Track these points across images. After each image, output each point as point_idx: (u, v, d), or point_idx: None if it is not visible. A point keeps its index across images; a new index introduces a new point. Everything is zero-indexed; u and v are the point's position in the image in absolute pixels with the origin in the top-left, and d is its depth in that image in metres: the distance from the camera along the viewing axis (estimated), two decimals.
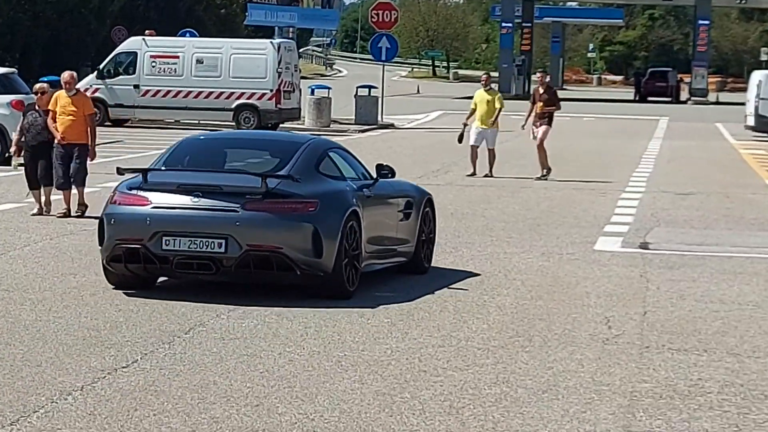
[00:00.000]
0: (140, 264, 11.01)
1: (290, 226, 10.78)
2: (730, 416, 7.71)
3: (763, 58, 73.85)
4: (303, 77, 43.57)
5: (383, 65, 43.16)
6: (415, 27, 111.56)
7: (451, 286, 12.03)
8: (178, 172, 11.25)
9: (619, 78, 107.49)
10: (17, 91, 24.56)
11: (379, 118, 41.05)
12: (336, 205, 11.10)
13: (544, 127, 23.85)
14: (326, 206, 10.97)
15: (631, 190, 22.19)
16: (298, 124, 38.03)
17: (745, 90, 44.16)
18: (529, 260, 13.86)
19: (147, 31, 41.28)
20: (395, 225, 12.36)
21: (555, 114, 24.44)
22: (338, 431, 7.23)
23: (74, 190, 16.64)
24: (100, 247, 11.32)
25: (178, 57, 36.81)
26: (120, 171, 11.59)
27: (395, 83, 76.62)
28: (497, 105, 23.79)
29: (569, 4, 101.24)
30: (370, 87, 41.06)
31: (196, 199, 10.86)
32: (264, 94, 36.24)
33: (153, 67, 36.88)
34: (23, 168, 16.99)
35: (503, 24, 72.90)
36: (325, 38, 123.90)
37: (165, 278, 11.68)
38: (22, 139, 16.80)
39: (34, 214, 16.50)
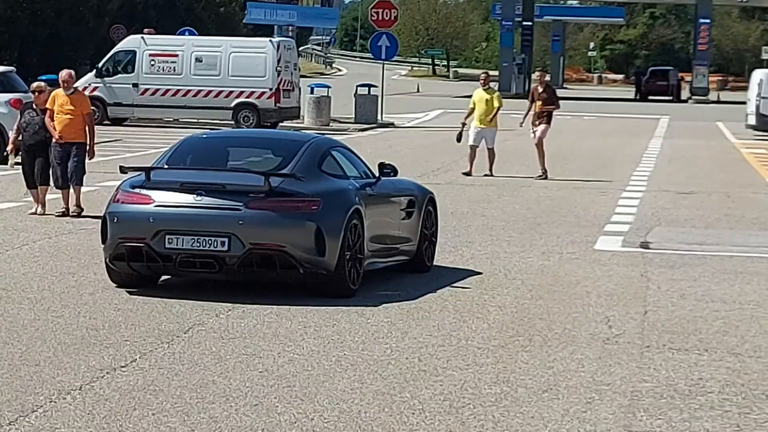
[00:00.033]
0: (143, 262, 11.02)
1: (293, 224, 10.81)
2: (731, 416, 7.70)
3: (764, 56, 73.76)
4: (302, 76, 43.52)
5: (383, 64, 43.13)
6: (415, 25, 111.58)
7: (453, 285, 12.03)
8: (181, 171, 11.27)
9: (620, 77, 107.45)
10: (15, 89, 24.54)
11: (379, 117, 41.03)
12: (339, 204, 11.12)
13: (542, 126, 23.82)
14: (329, 205, 10.99)
15: (632, 190, 22.18)
16: (298, 123, 37.99)
17: (746, 89, 44.12)
18: (529, 259, 13.84)
19: (146, 30, 41.26)
20: (397, 223, 12.38)
21: (554, 113, 24.40)
22: (338, 431, 7.21)
23: (72, 189, 16.58)
24: (102, 246, 11.33)
25: (177, 55, 36.75)
26: (123, 169, 11.60)
27: (395, 82, 76.60)
28: (496, 104, 23.77)
29: (570, 2, 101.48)
30: (369, 86, 41.03)
31: (199, 198, 10.88)
32: (263, 93, 36.20)
33: (152, 65, 36.83)
34: (21, 167, 16.96)
35: (503, 22, 72.93)
36: (324, 37, 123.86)
37: (165, 277, 11.66)
38: (19, 138, 16.77)
39: (32, 213, 16.48)
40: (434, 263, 13.12)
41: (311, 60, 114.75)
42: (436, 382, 8.29)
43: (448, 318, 10.48)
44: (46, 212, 16.46)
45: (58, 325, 9.78)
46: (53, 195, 16.86)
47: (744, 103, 41.14)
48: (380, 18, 42.45)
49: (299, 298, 10.99)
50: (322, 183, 11.26)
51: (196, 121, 37.14)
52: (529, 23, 76.82)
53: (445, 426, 7.33)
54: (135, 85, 36.86)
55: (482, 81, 24.22)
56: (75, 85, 16.92)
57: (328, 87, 40.70)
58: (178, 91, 36.58)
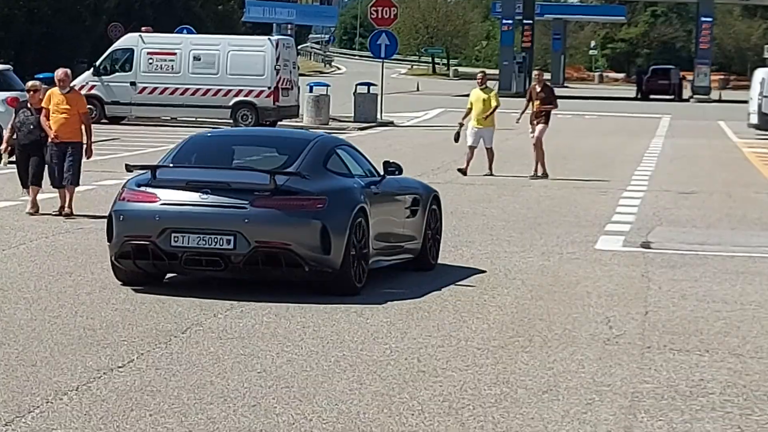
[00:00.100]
0: (149, 260, 11.06)
1: (299, 222, 10.86)
2: (733, 417, 7.67)
3: (767, 55, 73.75)
4: (301, 74, 43.49)
5: (382, 62, 43.10)
6: (414, 24, 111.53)
7: (457, 283, 12.04)
8: (186, 169, 11.33)
9: (621, 75, 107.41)
10: (12, 88, 24.50)
11: (379, 116, 41.00)
12: (344, 202, 11.18)
13: (540, 126, 23.78)
14: (334, 203, 11.04)
15: (633, 189, 22.16)
16: (297, 121, 37.95)
17: (748, 88, 44.06)
18: (529, 259, 13.81)
19: (143, 28, 41.17)
20: (402, 222, 12.44)
21: (552, 112, 24.37)
22: None
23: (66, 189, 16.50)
24: (108, 244, 11.36)
25: (175, 54, 36.69)
26: (129, 168, 11.66)
27: (395, 81, 76.59)
28: (493, 103, 23.74)
29: (570, 0, 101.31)
30: (369, 84, 41.01)
31: (204, 196, 10.94)
32: (262, 92, 36.15)
33: (150, 64, 36.76)
34: (15, 166, 16.89)
35: (504, 21, 72.92)
36: (323, 35, 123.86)
37: (167, 275, 11.64)
38: (14, 137, 16.70)
39: (29, 213, 16.40)
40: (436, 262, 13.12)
41: (310, 58, 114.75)
42: (436, 382, 8.27)
43: (447, 318, 10.45)
44: (40, 212, 16.37)
45: (55, 325, 9.75)
46: (51, 194, 16.80)
47: (746, 102, 41.08)
48: (380, 16, 42.40)
49: (298, 298, 10.97)
50: (327, 181, 11.31)
51: (194, 119, 37.10)
52: (530, 21, 76.84)
53: (444, 427, 7.31)
54: (133, 84, 36.81)
55: (479, 81, 24.20)
56: (71, 84, 16.84)
57: (328, 86, 40.66)
58: (176, 89, 36.51)
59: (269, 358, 8.79)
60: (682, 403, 7.92)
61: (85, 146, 16.46)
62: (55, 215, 16.31)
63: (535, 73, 25.49)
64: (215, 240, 10.82)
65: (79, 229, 15.27)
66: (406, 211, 12.51)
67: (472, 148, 23.81)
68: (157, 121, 37.30)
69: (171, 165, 11.45)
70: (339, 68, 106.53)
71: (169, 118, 37.74)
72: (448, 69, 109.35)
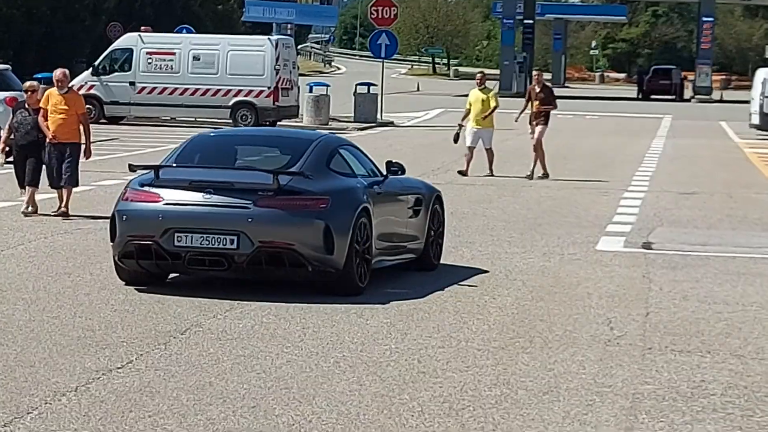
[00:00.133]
0: (152, 260, 11.08)
1: (302, 222, 10.88)
2: (734, 419, 7.66)
3: None
4: (301, 74, 43.44)
5: (383, 62, 43.07)
6: (415, 24, 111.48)
7: (460, 283, 12.04)
8: (189, 169, 11.35)
9: (622, 76, 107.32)
10: (11, 87, 24.46)
11: (379, 116, 40.97)
12: (347, 202, 11.20)
13: (540, 128, 23.72)
14: (337, 203, 11.07)
15: (634, 190, 22.12)
16: (297, 121, 37.91)
17: (749, 88, 44.01)
18: (530, 260, 13.79)
19: (143, 28, 41.13)
20: (405, 222, 12.48)
21: (552, 113, 24.33)
22: None
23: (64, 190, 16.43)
24: (111, 243, 11.37)
25: (174, 54, 36.64)
26: (132, 167, 11.69)
27: (395, 81, 76.57)
28: (492, 104, 23.70)
29: (571, 0, 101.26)
30: (369, 84, 40.97)
31: (208, 196, 10.97)
32: (261, 92, 36.11)
33: (149, 63, 36.71)
34: (13, 167, 16.85)
35: (504, 21, 72.89)
36: (323, 35, 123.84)
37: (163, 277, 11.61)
38: (11, 137, 16.66)
39: (23, 212, 16.34)
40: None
41: (310, 58, 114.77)
42: (436, 383, 8.25)
43: (447, 319, 10.43)
44: (39, 212, 16.33)
45: (54, 326, 9.73)
46: (50, 195, 16.76)
47: (747, 102, 41.04)
48: (380, 16, 42.36)
49: (298, 299, 10.95)
50: (330, 181, 11.34)
51: (193, 120, 37.06)
52: (531, 21, 76.83)
53: (444, 428, 7.29)
54: (132, 84, 36.75)
55: (478, 81, 24.16)
56: (69, 84, 16.79)
57: (327, 86, 40.61)
58: (176, 89, 36.46)
59: (269, 359, 8.77)
60: (683, 405, 7.90)
61: (83, 147, 16.41)
62: (54, 215, 16.28)
63: (534, 73, 25.44)
64: (218, 240, 10.84)
65: (77, 230, 15.24)
66: (408, 211, 12.54)
67: (471, 149, 23.77)
68: (156, 121, 37.26)
69: (174, 165, 11.47)
70: (339, 68, 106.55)
71: (168, 118, 37.70)
72: (449, 69, 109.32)
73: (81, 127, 16.33)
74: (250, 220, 10.82)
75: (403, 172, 12.53)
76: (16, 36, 57.85)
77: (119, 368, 8.41)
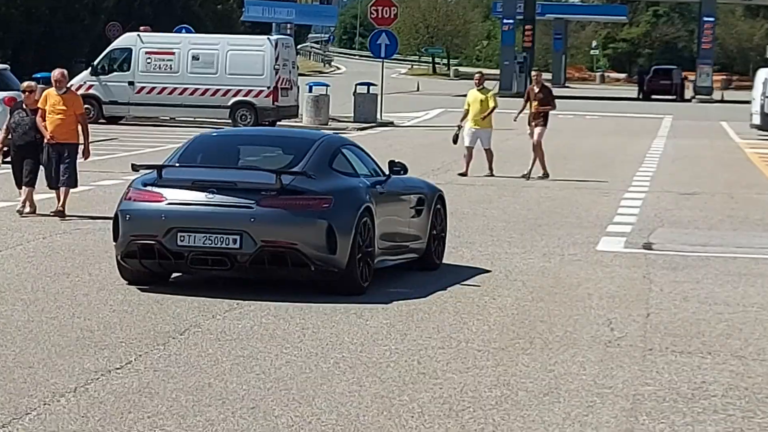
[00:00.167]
0: (155, 260, 11.10)
1: (305, 222, 10.91)
2: (735, 420, 7.64)
3: None
4: (301, 74, 43.43)
5: (382, 62, 43.03)
6: (415, 23, 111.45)
7: (459, 284, 12.02)
8: (192, 169, 11.38)
9: (623, 76, 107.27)
10: (10, 87, 24.43)
11: (378, 116, 40.93)
12: (350, 202, 11.23)
13: (539, 129, 23.65)
14: (340, 203, 11.09)
15: (635, 190, 22.09)
16: (296, 121, 37.87)
17: (750, 88, 43.95)
18: (530, 261, 13.76)
19: (142, 27, 41.07)
20: (407, 221, 12.50)
21: (551, 113, 24.28)
22: None
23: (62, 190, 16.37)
24: (114, 243, 11.39)
25: (173, 53, 36.58)
26: (135, 167, 11.73)
27: (395, 80, 76.56)
28: (491, 104, 23.66)
29: (572, 0, 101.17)
30: (369, 84, 40.92)
31: (210, 196, 10.99)
32: (261, 92, 36.06)
33: (148, 63, 36.65)
34: (11, 167, 16.82)
35: (505, 21, 72.82)
36: (323, 34, 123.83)
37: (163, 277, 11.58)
38: (9, 137, 16.61)
39: (27, 213, 16.32)
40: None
41: (310, 58, 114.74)
42: (436, 384, 8.23)
43: (447, 320, 10.41)
44: (37, 212, 16.29)
45: (52, 327, 9.71)
46: (49, 195, 16.73)
47: (748, 102, 40.98)
48: (380, 16, 42.32)
49: (297, 299, 10.93)
50: (333, 181, 11.36)
51: (192, 120, 37.02)
52: (531, 21, 76.75)
53: (444, 429, 7.27)
54: (131, 84, 36.69)
55: (477, 81, 24.12)
56: (68, 85, 16.75)
57: (327, 85, 40.56)
58: (175, 89, 36.39)
59: (268, 360, 8.75)
60: (683, 406, 7.88)
61: (82, 147, 16.37)
62: (51, 215, 16.23)
63: (533, 73, 25.36)
64: (221, 239, 10.86)
65: (76, 230, 15.20)
66: (411, 211, 12.57)
67: (469, 149, 23.72)
68: (155, 121, 37.22)
69: (177, 164, 11.50)
70: (339, 68, 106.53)
71: (167, 118, 37.65)
72: (449, 69, 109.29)
73: (79, 128, 16.29)
74: (252, 219, 10.85)
75: (406, 171, 12.57)
76: (14, 35, 57.83)
77: (118, 369, 8.40)
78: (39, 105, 16.25)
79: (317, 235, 10.90)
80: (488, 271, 12.91)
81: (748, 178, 25.57)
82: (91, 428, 7.08)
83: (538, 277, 12.74)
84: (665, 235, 16.23)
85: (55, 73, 16.37)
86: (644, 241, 15.63)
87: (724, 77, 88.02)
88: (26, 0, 58.18)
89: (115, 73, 36.88)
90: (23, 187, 16.40)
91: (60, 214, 16.00)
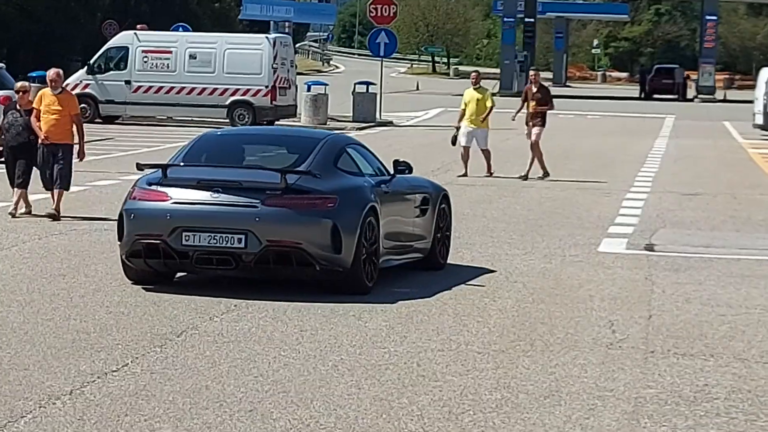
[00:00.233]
0: (160, 259, 11.13)
1: (310, 221, 10.94)
2: (738, 423, 7.61)
3: None
4: (299, 73, 43.42)
5: (382, 61, 43.00)
6: (414, 22, 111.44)
7: (461, 285, 12.00)
8: (197, 168, 11.42)
9: (624, 75, 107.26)
10: (5, 86, 24.35)
11: (378, 116, 40.90)
12: (355, 201, 11.26)
13: (537, 129, 23.57)
14: (345, 202, 11.13)
15: (636, 190, 22.04)
16: (294, 121, 37.81)
17: (753, 87, 43.86)
18: (531, 262, 13.72)
19: (139, 26, 41.04)
20: (412, 221, 12.53)
21: (551, 113, 24.22)
22: None
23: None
24: (119, 243, 11.41)
25: (170, 52, 36.53)
26: (139, 166, 11.76)
27: (394, 80, 76.67)
28: (488, 104, 23.59)
29: None
30: (368, 83, 40.90)
31: (215, 195, 11.04)
32: (259, 91, 36.02)
33: (145, 62, 36.59)
34: (5, 167, 16.75)
35: (505, 19, 72.84)
36: (322, 33, 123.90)
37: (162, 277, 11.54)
38: (2, 137, 16.54)
39: (22, 214, 16.26)
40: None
41: (308, 57, 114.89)
42: (435, 387, 8.19)
43: (447, 322, 10.36)
44: (32, 212, 16.21)
45: (48, 328, 9.67)
46: (44, 195, 16.65)
47: (751, 102, 40.91)
48: (379, 14, 42.27)
49: (295, 300, 10.89)
50: (338, 180, 11.39)
51: (190, 119, 36.97)
52: (532, 20, 76.77)
53: None
54: (127, 83, 36.62)
55: (473, 80, 24.05)
56: (64, 84, 16.67)
57: (326, 85, 40.53)
58: (172, 88, 36.32)
59: (266, 362, 8.72)
60: (686, 409, 7.85)
61: (76, 148, 16.29)
62: (46, 217, 16.13)
63: (531, 73, 25.26)
64: (226, 239, 10.89)
65: (72, 231, 15.15)
66: (415, 210, 12.60)
67: (466, 149, 23.65)
68: (152, 121, 37.19)
69: (182, 164, 11.53)
70: (337, 67, 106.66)
71: (164, 117, 37.62)
72: (449, 68, 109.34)
73: (74, 128, 16.21)
74: (257, 219, 10.88)
75: (411, 171, 12.62)
76: (10, 34, 57.80)
77: (114, 371, 8.36)
78: (34, 105, 16.18)
79: (322, 235, 10.93)
80: (493, 271, 12.89)
81: (751, 178, 25.52)
82: (87, 431, 7.04)
83: (539, 278, 12.70)
84: (667, 236, 16.18)
85: (51, 72, 16.29)
86: (646, 242, 15.57)
87: (727, 76, 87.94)
88: None
89: (112, 72, 36.83)
90: (15, 189, 16.31)
91: (54, 216, 15.89)
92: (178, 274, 11.68)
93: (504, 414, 7.61)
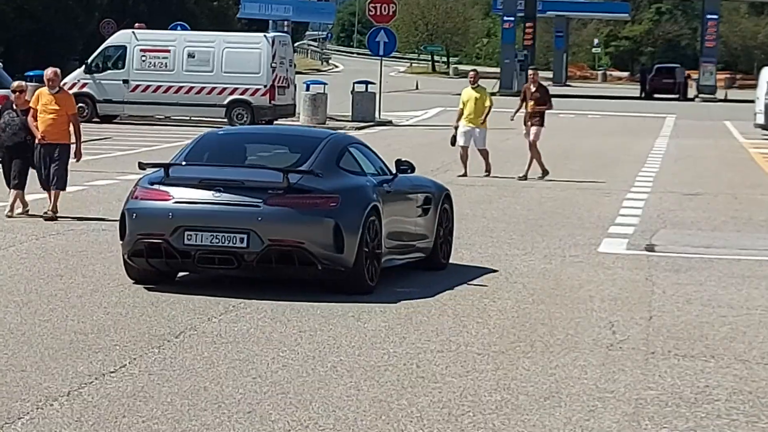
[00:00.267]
0: (162, 259, 11.15)
1: (312, 221, 10.96)
2: (738, 424, 7.59)
3: None
4: (298, 72, 43.39)
5: (381, 60, 42.98)
6: (414, 21, 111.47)
7: (460, 285, 11.99)
8: (199, 167, 11.44)
9: (625, 74, 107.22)
10: (2, 85, 24.31)
11: (377, 115, 40.88)
12: (357, 201, 11.28)
13: (535, 128, 23.52)
14: (347, 201, 11.15)
15: (637, 190, 22.02)
16: (293, 120, 37.78)
17: (754, 87, 43.83)
18: (531, 262, 13.70)
19: (137, 24, 40.98)
20: (414, 220, 12.55)
21: (550, 112, 24.18)
22: None
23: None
24: (121, 242, 11.43)
25: (168, 51, 36.48)
26: (141, 166, 11.79)
27: (393, 79, 76.69)
28: (487, 103, 23.54)
29: None
30: (367, 83, 40.87)
31: (218, 194, 11.06)
32: (257, 90, 35.98)
33: (143, 61, 36.54)
34: (1, 167, 16.71)
35: (505, 18, 72.82)
36: (321, 32, 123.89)
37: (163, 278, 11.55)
38: None
39: (19, 214, 16.22)
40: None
41: (307, 56, 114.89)
42: (435, 388, 8.18)
43: (447, 323, 10.34)
44: (30, 212, 16.17)
45: (46, 329, 9.65)
46: (41, 195, 16.62)
47: (752, 101, 40.87)
48: (378, 13, 42.24)
49: (294, 301, 10.87)
50: (340, 180, 11.40)
51: (188, 118, 36.92)
52: (532, 19, 76.71)
53: None
54: (125, 82, 36.57)
55: (471, 79, 24.01)
56: (61, 84, 16.62)
57: (325, 84, 40.49)
58: (170, 87, 36.27)
59: (265, 363, 8.70)
60: (686, 410, 7.84)
61: (73, 148, 16.25)
62: (43, 218, 16.09)
63: (529, 72, 25.23)
64: (228, 238, 10.91)
65: (69, 231, 15.12)
66: (418, 210, 12.62)
67: (464, 149, 23.61)
68: (150, 120, 37.16)
69: (184, 163, 11.54)
70: (336, 66, 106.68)
71: (162, 116, 37.58)
72: (448, 67, 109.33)
73: (71, 128, 16.17)
74: (260, 218, 10.89)
75: (413, 170, 12.65)
76: (8, 33, 57.76)
77: (112, 372, 8.34)
78: (31, 104, 16.15)
79: (324, 234, 10.94)
80: (493, 271, 12.89)
81: (752, 178, 25.50)
82: None
83: (539, 279, 12.67)
84: (668, 237, 16.15)
85: (48, 72, 16.26)
86: (647, 242, 15.55)
87: (728, 76, 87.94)
88: None
89: (110, 71, 36.79)
90: (11, 190, 16.26)
91: (51, 216, 15.84)
92: (179, 274, 11.66)
93: (504, 416, 7.59)
